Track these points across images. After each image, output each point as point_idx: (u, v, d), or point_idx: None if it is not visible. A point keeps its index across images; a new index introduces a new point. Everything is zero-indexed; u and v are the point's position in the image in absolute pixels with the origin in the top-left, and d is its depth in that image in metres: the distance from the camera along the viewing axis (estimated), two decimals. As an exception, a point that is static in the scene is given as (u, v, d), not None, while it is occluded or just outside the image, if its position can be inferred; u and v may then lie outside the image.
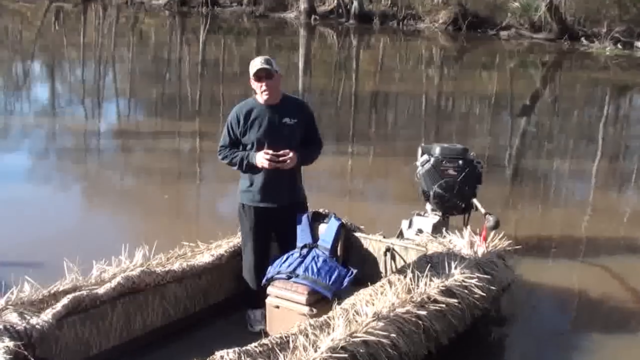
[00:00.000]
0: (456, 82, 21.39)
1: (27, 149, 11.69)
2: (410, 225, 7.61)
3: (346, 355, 4.65)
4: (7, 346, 4.45)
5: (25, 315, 4.86)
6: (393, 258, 6.46)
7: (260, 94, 5.90)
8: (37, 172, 10.83)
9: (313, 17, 36.88)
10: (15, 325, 4.70)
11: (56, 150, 12.10)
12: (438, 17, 33.93)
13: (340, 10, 37.22)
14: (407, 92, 19.55)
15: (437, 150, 7.76)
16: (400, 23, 34.92)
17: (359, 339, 4.83)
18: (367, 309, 5.30)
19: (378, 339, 4.89)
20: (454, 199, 7.60)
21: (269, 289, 5.83)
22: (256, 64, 5.81)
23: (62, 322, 5.12)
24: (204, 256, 6.40)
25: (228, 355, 4.37)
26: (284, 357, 4.49)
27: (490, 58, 27.43)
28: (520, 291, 7.28)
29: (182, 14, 38.04)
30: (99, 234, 8.30)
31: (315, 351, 4.59)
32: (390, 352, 4.94)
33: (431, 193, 7.66)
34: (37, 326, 4.78)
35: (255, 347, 4.56)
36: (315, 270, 5.74)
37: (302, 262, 5.84)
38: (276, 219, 6.12)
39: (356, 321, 5.06)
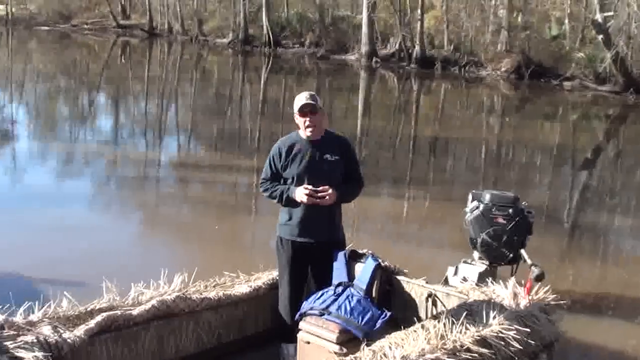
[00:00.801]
0: (517, 131, 21.19)
1: (89, 177, 11.81)
2: (456, 272, 7.46)
3: None
4: (36, 356, 4.52)
5: (59, 329, 4.95)
6: (434, 304, 6.32)
7: (304, 129, 5.89)
8: (96, 198, 11.05)
9: (374, 59, 37.05)
10: (47, 338, 4.79)
11: (116, 178, 12.24)
12: (500, 65, 33.77)
13: (402, 53, 37.36)
14: (466, 139, 19.37)
15: (487, 197, 7.60)
16: (462, 69, 34.85)
17: None
18: (395, 352, 5.18)
19: None
20: (502, 248, 7.40)
21: (301, 324, 5.78)
22: (301, 99, 5.82)
23: (95, 339, 5.19)
24: (242, 286, 6.42)
25: None
26: None
27: (553, 108, 27.13)
28: (568, 350, 7.02)
29: (245, 53, 38.52)
30: (144, 258, 8.45)
31: None
32: None
33: (478, 240, 7.50)
34: (68, 340, 4.85)
35: None
36: (348, 309, 5.70)
37: (335, 300, 5.81)
38: (313, 255, 6.08)
39: None
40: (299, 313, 5.87)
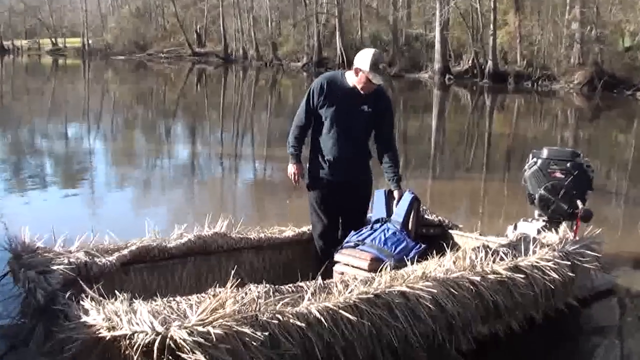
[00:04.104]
0: (591, 143, 21.12)
1: (165, 206, 12.19)
2: (514, 230, 7.36)
3: (378, 302, 4.60)
4: (63, 270, 4.67)
5: (92, 255, 5.08)
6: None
7: (360, 86, 6.11)
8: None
9: (447, 76, 37.22)
10: (78, 259, 4.93)
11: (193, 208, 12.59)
12: (573, 78, 33.64)
13: (475, 70, 37.47)
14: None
15: (545, 152, 7.51)
16: (535, 83, 34.80)
17: (396, 290, 4.77)
18: (416, 267, 5.27)
19: (418, 292, 4.81)
20: (560, 202, 7.28)
21: (336, 256, 5.94)
22: (376, 66, 6.00)
23: (129, 268, 5.33)
24: (286, 232, 6.51)
25: (258, 288, 4.44)
26: (311, 295, 4.48)
27: (627, 120, 26.95)
28: (631, 303, 7.15)
29: (319, 74, 38.83)
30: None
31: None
32: (433, 310, 4.84)
33: (536, 196, 7.42)
34: (98, 262, 4.97)
35: (290, 287, 4.63)
36: (382, 239, 5.91)
37: (372, 233, 6.02)
38: (346, 193, 6.28)
39: (402, 277, 5.04)
40: (337, 249, 6.06)
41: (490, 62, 36.98)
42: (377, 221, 6.25)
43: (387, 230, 6.06)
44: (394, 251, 5.85)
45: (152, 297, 4.30)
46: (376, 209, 6.38)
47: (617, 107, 30.13)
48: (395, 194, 6.40)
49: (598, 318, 6.99)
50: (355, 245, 5.98)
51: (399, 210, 6.25)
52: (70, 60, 46.39)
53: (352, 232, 6.15)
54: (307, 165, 6.42)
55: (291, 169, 6.28)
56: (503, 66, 37.53)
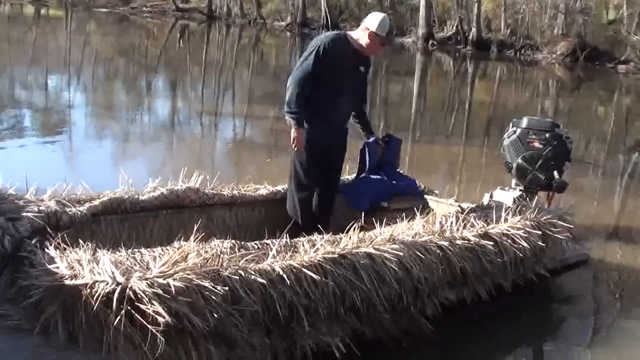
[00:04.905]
0: (571, 114, 21.17)
1: (142, 160, 12.12)
2: (491, 198, 7.38)
3: (344, 262, 4.63)
4: (30, 217, 4.66)
5: (64, 204, 5.06)
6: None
7: (368, 48, 6.23)
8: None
9: (431, 42, 37.10)
10: (48, 208, 4.91)
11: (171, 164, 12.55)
12: (556, 49, 33.70)
13: (459, 36, 37.39)
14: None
15: (524, 122, 7.54)
16: (518, 52, 34.82)
17: (363, 252, 4.79)
18: (384, 230, 5.29)
19: (384, 254, 4.83)
20: (536, 172, 7.32)
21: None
22: (391, 30, 6.30)
23: (100, 219, 5.30)
24: (259, 189, 6.47)
25: (223, 243, 4.46)
26: (276, 253, 4.49)
27: (607, 92, 27.04)
28: (602, 275, 7.33)
29: (303, 35, 38.69)
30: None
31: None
32: (399, 274, 4.86)
33: (514, 165, 7.46)
34: (69, 212, 4.95)
35: (256, 244, 4.64)
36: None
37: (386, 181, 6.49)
38: (335, 154, 6.38)
39: (370, 238, 5.04)
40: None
41: (474, 30, 36.92)
42: (375, 171, 6.53)
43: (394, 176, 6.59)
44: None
45: (121, 249, 4.30)
46: (371, 159, 6.58)
47: (598, 79, 30.24)
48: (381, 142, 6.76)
49: (569, 288, 7.06)
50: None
51: (391, 155, 6.67)
52: (52, 10, 45.74)
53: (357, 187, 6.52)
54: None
55: (296, 134, 6.09)
56: (487, 34, 37.50)
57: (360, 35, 6.22)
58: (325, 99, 6.12)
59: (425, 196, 7.07)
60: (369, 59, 6.51)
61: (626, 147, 16.79)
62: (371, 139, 6.66)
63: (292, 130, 6.08)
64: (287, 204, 6.35)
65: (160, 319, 3.72)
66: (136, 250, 4.30)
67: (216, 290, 3.93)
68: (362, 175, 6.62)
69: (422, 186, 7.31)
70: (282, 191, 6.55)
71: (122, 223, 5.52)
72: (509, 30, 36.89)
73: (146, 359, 3.80)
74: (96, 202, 5.31)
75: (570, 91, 27.29)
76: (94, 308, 3.76)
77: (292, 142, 6.10)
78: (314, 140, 6.14)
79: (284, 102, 6.12)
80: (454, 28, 38.41)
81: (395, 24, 38.94)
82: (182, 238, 4.55)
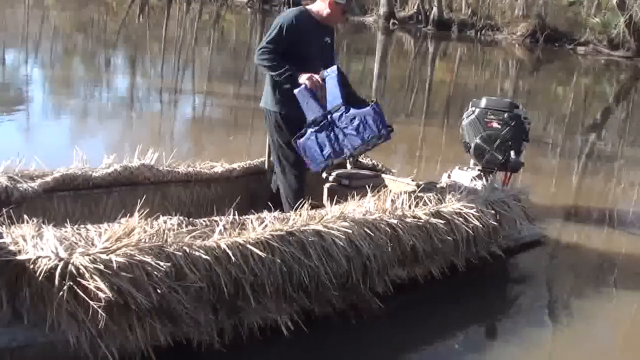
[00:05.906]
0: (530, 95, 21.31)
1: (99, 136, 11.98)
2: (449, 178, 7.38)
3: (292, 240, 4.64)
4: None
5: (15, 180, 5.04)
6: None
7: (330, 17, 6.23)
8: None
9: (392, 21, 37.04)
10: None
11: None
12: (516, 29, 33.85)
13: (420, 16, 37.38)
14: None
15: (483, 102, 7.54)
16: (479, 33, 34.92)
17: (311, 229, 4.81)
18: (334, 208, 5.31)
19: (333, 232, 4.85)
20: (495, 152, 7.32)
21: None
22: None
23: (52, 196, 5.29)
24: (215, 167, 6.47)
25: (170, 220, 4.47)
26: (223, 229, 4.51)
27: (566, 74, 27.24)
28: (558, 255, 7.44)
29: (264, 12, 38.48)
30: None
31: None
32: (348, 251, 4.89)
33: (472, 145, 7.47)
34: (20, 188, 4.94)
35: (204, 220, 4.65)
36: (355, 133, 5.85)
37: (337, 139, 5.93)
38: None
39: (320, 215, 5.06)
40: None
41: (435, 9, 36.91)
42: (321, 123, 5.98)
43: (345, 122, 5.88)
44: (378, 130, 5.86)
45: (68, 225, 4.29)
46: (331, 94, 5.99)
47: (558, 60, 30.45)
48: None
49: (524, 267, 7.15)
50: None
51: (333, 92, 5.97)
52: (9, -16, 45.24)
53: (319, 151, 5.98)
54: (278, 105, 6.22)
55: (304, 78, 5.94)
56: (448, 14, 37.53)
57: (320, 6, 6.24)
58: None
59: (383, 175, 7.07)
60: (333, 29, 6.53)
61: (584, 127, 16.97)
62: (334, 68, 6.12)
63: (300, 78, 5.95)
64: (281, 188, 6.26)
65: (101, 295, 3.72)
66: (82, 226, 4.28)
67: (159, 266, 3.94)
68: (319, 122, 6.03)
69: (380, 165, 7.31)
70: (238, 169, 6.58)
71: (74, 200, 5.51)
72: (470, 10, 36.95)
73: (89, 335, 3.81)
74: (48, 179, 5.29)
75: (530, 72, 27.45)
76: (38, 284, 3.76)
77: (311, 85, 5.92)
78: (293, 117, 6.09)
79: (270, 83, 6.20)
80: (415, 7, 38.37)
81: (357, 3, 38.95)
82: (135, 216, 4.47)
